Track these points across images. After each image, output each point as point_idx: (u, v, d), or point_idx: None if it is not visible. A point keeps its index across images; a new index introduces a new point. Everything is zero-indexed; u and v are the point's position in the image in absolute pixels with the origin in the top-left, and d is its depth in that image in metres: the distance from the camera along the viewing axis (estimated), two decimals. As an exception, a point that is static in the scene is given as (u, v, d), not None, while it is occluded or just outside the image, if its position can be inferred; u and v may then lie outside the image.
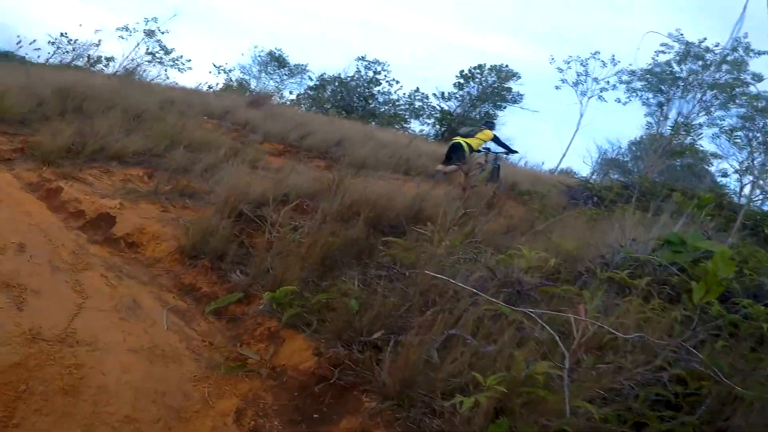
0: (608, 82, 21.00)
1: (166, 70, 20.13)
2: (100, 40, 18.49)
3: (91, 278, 3.06)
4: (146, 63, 19.01)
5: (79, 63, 18.16)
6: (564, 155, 24.21)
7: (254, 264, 3.23)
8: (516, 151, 9.70)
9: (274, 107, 13.78)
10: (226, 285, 3.21)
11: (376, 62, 25.19)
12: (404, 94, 25.04)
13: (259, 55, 26.83)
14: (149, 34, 19.39)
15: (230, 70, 26.61)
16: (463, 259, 3.04)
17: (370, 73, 25.08)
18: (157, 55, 20.27)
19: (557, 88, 22.28)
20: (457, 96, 24.49)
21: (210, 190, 4.88)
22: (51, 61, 18.02)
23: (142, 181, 5.55)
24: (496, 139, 8.62)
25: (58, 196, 4.47)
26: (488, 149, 8.62)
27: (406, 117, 25.27)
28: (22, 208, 4.09)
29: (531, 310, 2.35)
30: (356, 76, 25.11)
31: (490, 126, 9.21)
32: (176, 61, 21.32)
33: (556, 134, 50.09)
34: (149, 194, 4.81)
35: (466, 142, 8.29)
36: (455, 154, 8.14)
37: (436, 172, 7.98)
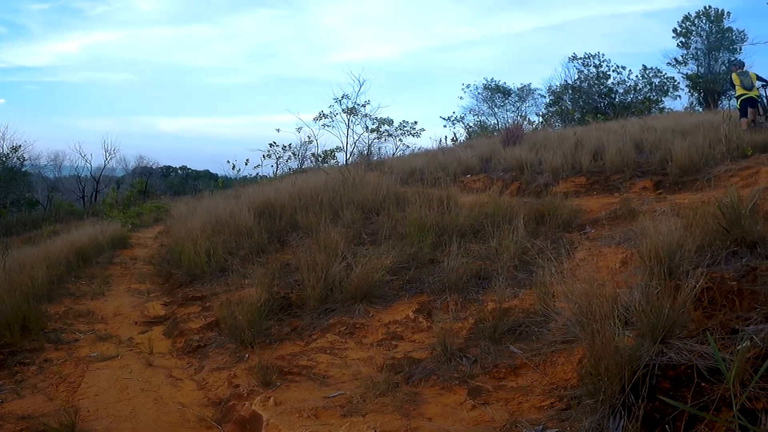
0: None
1: (400, 140, 18.29)
2: (309, 137, 17.14)
3: None
4: (376, 141, 17.38)
5: (308, 164, 16.87)
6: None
7: None
8: None
9: (531, 136, 12.16)
10: None
11: (589, 56, 22.75)
12: (636, 76, 22.68)
13: (479, 93, 24.83)
14: (352, 112, 16.71)
15: (461, 118, 24.78)
16: None
17: (593, 69, 22.71)
18: (381, 129, 17.70)
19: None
20: (691, 56, 22.06)
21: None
22: (278, 173, 16.90)
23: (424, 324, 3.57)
24: (758, 77, 9.20)
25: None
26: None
27: (653, 98, 22.28)
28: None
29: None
30: (581, 77, 22.80)
31: (740, 65, 9.73)
32: (403, 127, 18.72)
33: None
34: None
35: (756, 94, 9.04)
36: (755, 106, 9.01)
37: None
